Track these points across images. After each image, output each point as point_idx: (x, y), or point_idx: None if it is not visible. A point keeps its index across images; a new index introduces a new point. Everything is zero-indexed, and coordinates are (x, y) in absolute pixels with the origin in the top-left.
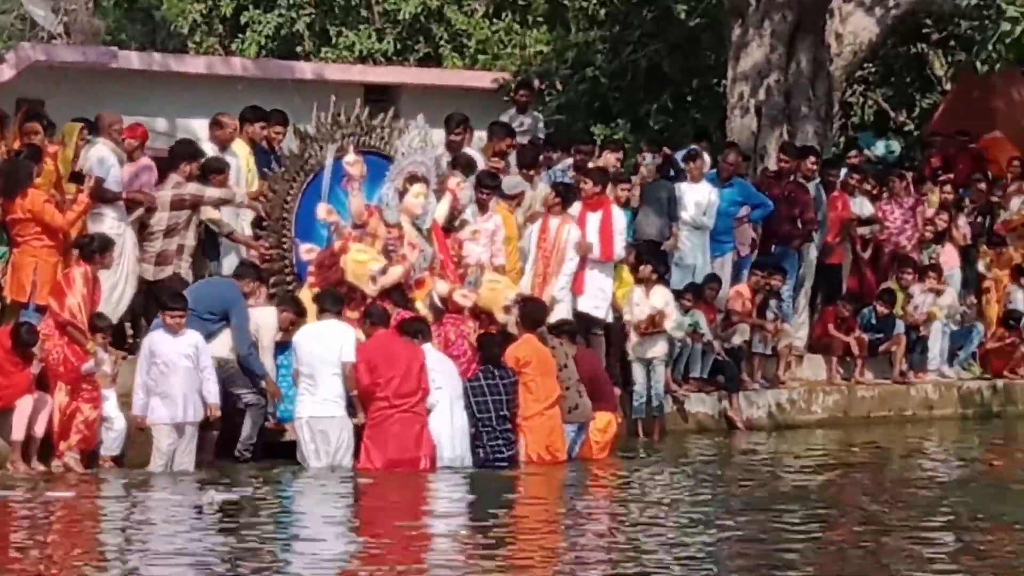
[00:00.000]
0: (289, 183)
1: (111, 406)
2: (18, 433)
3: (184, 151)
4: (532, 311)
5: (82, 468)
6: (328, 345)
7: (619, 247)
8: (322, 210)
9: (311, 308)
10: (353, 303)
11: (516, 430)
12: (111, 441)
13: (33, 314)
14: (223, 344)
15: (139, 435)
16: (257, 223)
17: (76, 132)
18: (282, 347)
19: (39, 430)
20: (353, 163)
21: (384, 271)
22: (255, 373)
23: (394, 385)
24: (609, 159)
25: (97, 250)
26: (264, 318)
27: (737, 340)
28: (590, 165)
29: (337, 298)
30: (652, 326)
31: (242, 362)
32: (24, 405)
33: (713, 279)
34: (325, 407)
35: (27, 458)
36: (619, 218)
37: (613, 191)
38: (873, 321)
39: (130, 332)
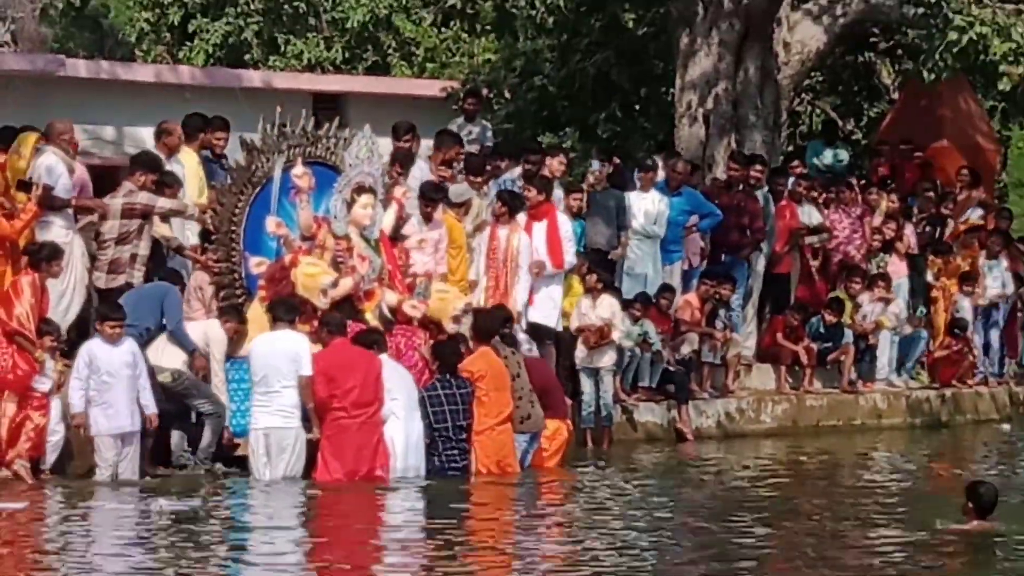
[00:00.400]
0: (237, 196)
1: (54, 416)
2: None
3: (143, 160)
4: (485, 323)
5: (31, 477)
6: (283, 355)
7: (569, 255)
8: (271, 223)
9: (262, 321)
10: (304, 316)
11: (470, 440)
12: (49, 452)
13: None
14: (176, 356)
15: (82, 444)
16: (205, 236)
17: (31, 142)
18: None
19: None
20: (301, 175)
21: (335, 284)
22: (184, 345)
23: (353, 395)
24: (553, 164)
25: (45, 258)
26: (214, 330)
27: (686, 350)
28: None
29: (291, 307)
30: (601, 337)
31: (172, 333)
32: None
33: (667, 289)
34: (281, 418)
35: None
36: (566, 226)
37: (565, 200)
38: (821, 330)
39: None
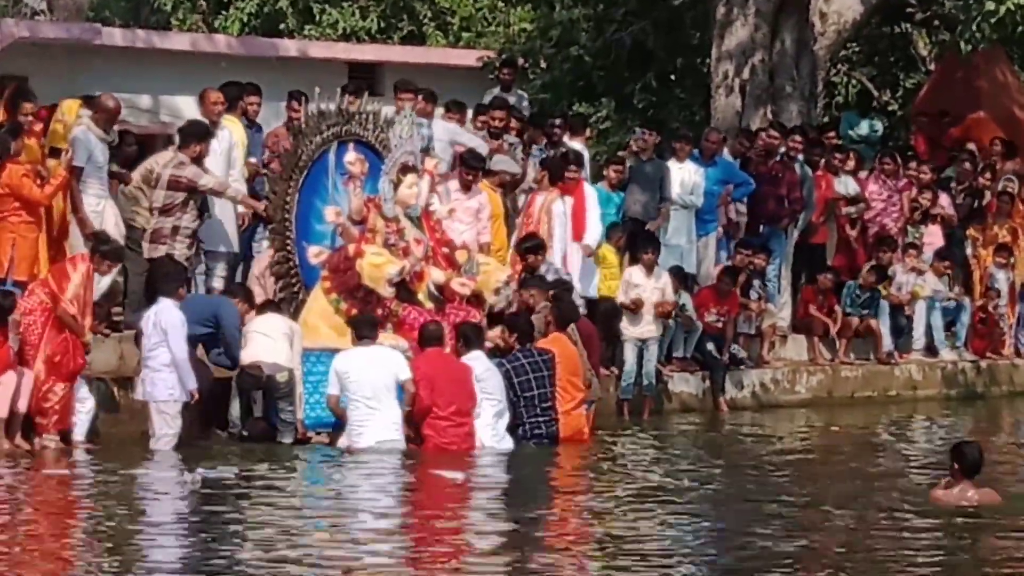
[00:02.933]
0: (286, 182)
1: (83, 385)
2: (1, 410)
3: (194, 132)
4: (567, 311)
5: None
6: (383, 370)
7: (594, 232)
8: (330, 213)
9: (327, 313)
10: (369, 305)
11: (555, 408)
12: (82, 421)
13: (9, 288)
14: (283, 354)
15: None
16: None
17: (74, 109)
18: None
19: (22, 406)
20: (354, 161)
21: (400, 273)
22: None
23: (454, 406)
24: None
25: (105, 255)
26: (297, 326)
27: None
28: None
29: (372, 323)
30: (667, 313)
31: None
32: (7, 381)
33: (729, 271)
34: (392, 431)
35: (11, 434)
36: (592, 200)
37: (605, 171)
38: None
39: (116, 310)
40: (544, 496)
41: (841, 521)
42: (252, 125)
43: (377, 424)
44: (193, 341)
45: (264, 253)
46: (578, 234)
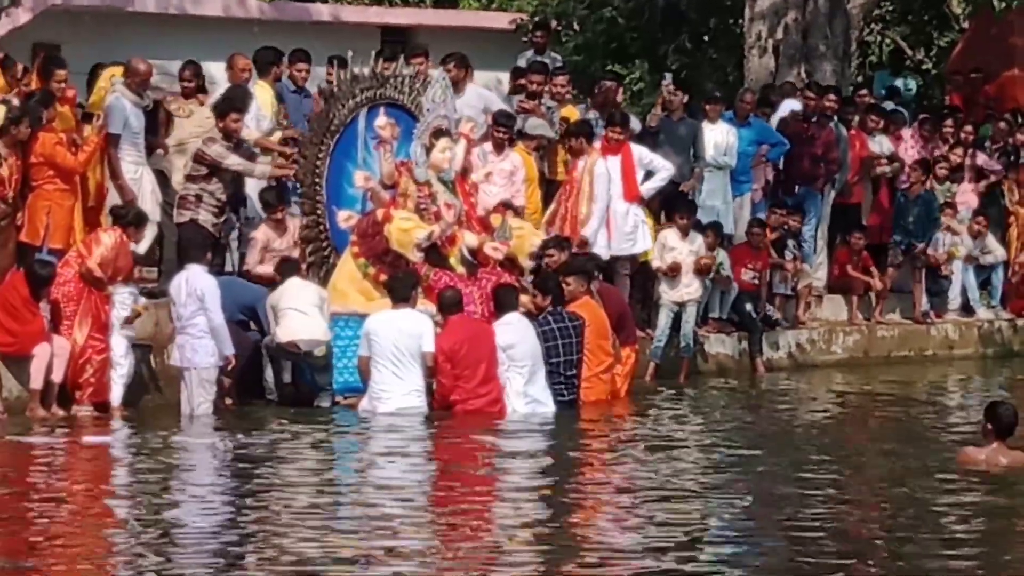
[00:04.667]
0: (317, 146)
1: (119, 350)
2: (36, 381)
3: (231, 102)
4: (584, 269)
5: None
6: (410, 336)
7: (646, 187)
8: (360, 177)
9: (354, 277)
10: (398, 270)
11: (580, 376)
12: (118, 385)
13: (47, 258)
14: (319, 325)
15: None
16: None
17: (108, 75)
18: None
19: (57, 376)
20: (384, 126)
21: (429, 238)
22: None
23: (479, 375)
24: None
25: (131, 223)
26: (325, 292)
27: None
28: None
29: (410, 283)
30: (702, 265)
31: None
32: (42, 354)
33: (757, 223)
34: (415, 398)
35: (47, 405)
36: (639, 154)
37: None
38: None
39: (152, 276)
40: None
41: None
42: (300, 91)
43: (400, 389)
44: (229, 320)
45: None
46: (630, 193)
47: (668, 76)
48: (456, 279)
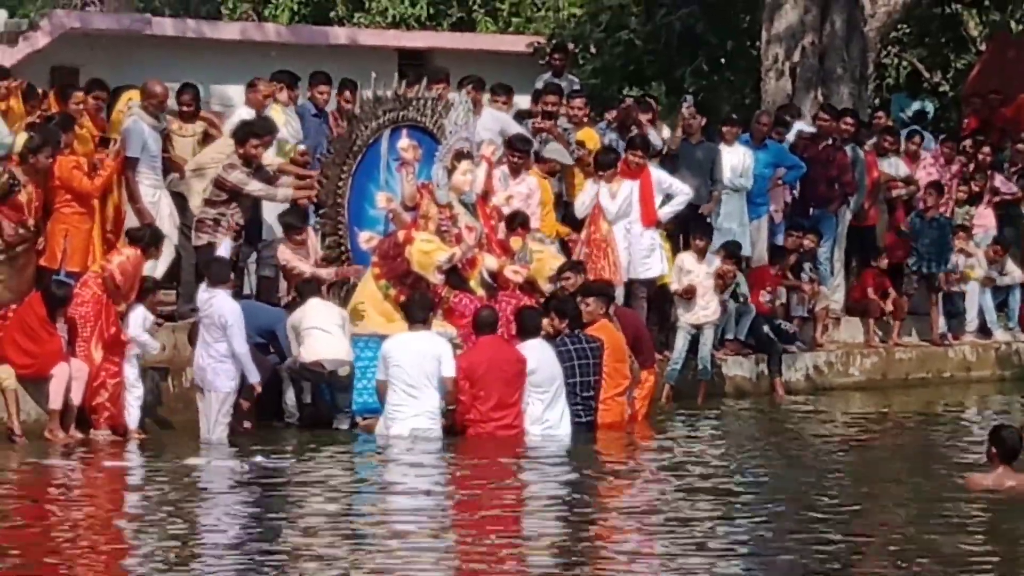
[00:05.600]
0: (339, 167)
1: (131, 374)
2: (55, 403)
3: (253, 130)
4: (604, 293)
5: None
6: (427, 358)
7: (664, 211)
8: (382, 199)
9: (375, 299)
10: (419, 292)
11: (597, 398)
12: (133, 409)
13: (64, 279)
14: (342, 345)
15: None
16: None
17: (125, 99)
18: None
19: (76, 398)
20: (407, 148)
21: (450, 260)
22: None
23: (495, 397)
24: (650, 131)
25: (148, 243)
26: (345, 312)
27: (774, 303)
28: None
29: (426, 305)
30: (724, 286)
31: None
32: (61, 374)
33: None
34: (427, 419)
35: (65, 426)
36: (658, 176)
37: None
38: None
39: (169, 299)
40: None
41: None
42: (321, 113)
43: (413, 411)
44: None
45: (281, 246)
46: (648, 218)
47: (689, 99)
48: (476, 301)
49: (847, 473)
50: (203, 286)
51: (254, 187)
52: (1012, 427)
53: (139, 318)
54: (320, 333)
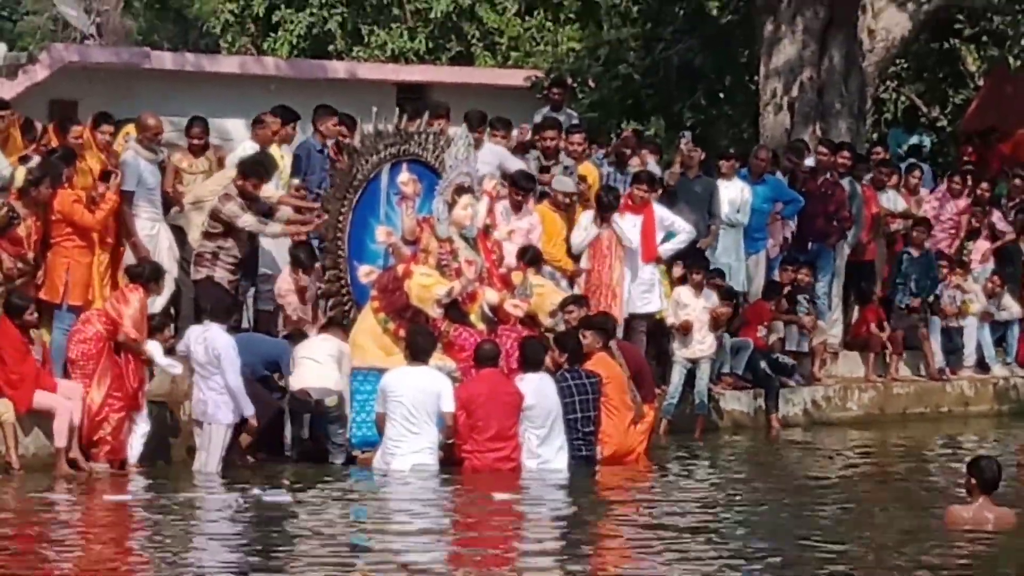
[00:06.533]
0: (340, 201)
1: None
2: (61, 440)
3: (262, 168)
4: (605, 327)
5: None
6: (427, 393)
7: (665, 248)
8: (381, 233)
9: (375, 332)
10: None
11: (597, 433)
12: (136, 447)
13: (67, 315)
14: (332, 379)
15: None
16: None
17: (124, 134)
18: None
19: (75, 419)
20: (407, 182)
21: (449, 294)
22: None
23: (492, 429)
24: (649, 160)
25: (149, 279)
26: (345, 345)
27: (771, 338)
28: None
29: (429, 342)
30: (717, 325)
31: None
32: (63, 412)
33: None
34: (427, 455)
35: (68, 459)
36: (660, 213)
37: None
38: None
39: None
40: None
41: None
42: (324, 148)
43: (413, 446)
44: (252, 377)
45: (284, 271)
46: (649, 254)
47: (687, 134)
48: (476, 335)
49: (835, 512)
50: (193, 327)
51: (246, 221)
52: (991, 457)
53: (157, 350)
54: (310, 363)
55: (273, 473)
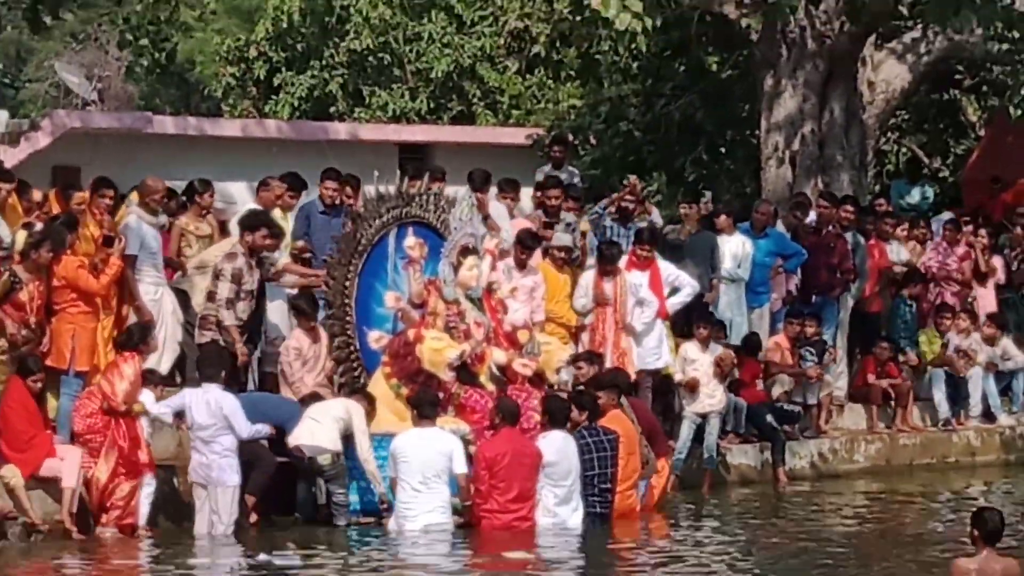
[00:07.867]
0: (345, 267)
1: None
2: (71, 504)
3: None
4: (621, 383)
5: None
6: (438, 454)
7: (670, 302)
8: (390, 298)
9: (388, 398)
10: (430, 390)
11: (614, 490)
12: (144, 508)
13: (73, 381)
14: (329, 439)
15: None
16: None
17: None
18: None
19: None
20: (413, 246)
21: (461, 357)
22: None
23: (514, 490)
24: (653, 211)
25: (138, 341)
26: (354, 404)
27: (777, 391)
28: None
29: (434, 402)
30: (723, 366)
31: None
32: (70, 480)
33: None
34: (440, 514)
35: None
36: (667, 271)
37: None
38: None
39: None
40: None
41: None
42: (331, 209)
43: (426, 507)
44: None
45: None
46: (661, 311)
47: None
48: (487, 396)
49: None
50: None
51: (229, 320)
52: (994, 508)
53: (149, 399)
54: (309, 421)
55: (276, 536)
